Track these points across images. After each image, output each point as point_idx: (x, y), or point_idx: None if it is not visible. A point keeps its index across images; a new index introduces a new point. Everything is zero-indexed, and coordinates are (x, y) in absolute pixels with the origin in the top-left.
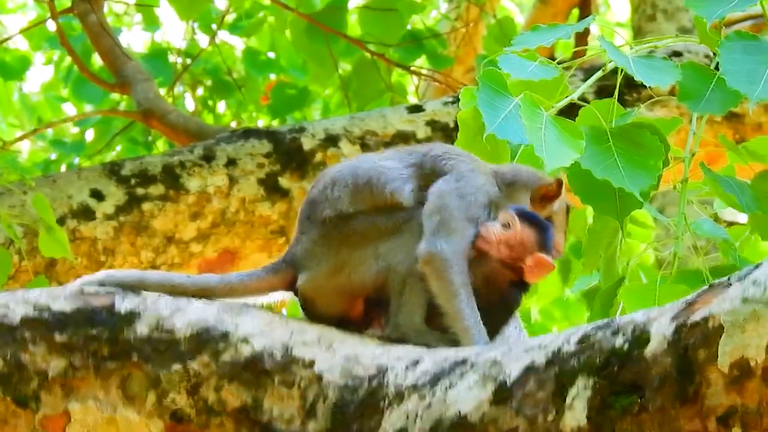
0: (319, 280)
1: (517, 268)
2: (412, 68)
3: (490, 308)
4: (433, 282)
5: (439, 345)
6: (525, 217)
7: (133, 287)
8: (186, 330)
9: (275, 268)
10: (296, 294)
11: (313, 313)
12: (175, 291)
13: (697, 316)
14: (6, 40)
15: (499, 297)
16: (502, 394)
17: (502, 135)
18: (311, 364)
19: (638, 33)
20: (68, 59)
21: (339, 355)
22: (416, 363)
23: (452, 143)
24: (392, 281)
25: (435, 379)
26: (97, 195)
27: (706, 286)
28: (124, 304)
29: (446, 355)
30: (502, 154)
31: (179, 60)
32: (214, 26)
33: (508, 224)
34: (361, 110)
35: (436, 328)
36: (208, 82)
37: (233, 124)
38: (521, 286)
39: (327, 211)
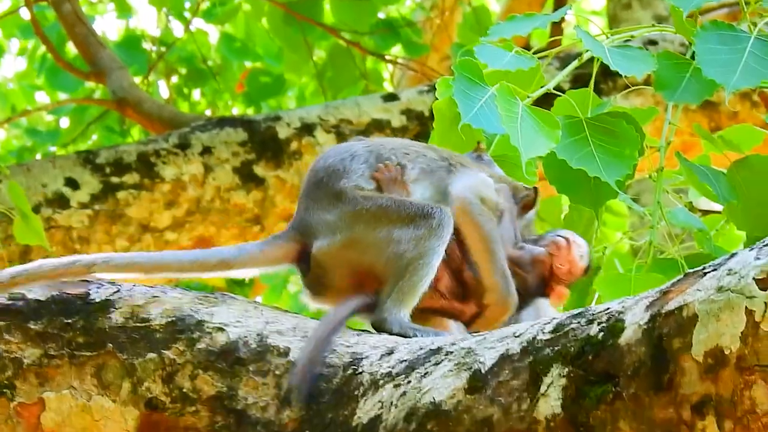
0: (333, 250)
1: (549, 284)
2: (386, 56)
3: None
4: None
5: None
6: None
7: (147, 271)
8: (161, 319)
9: (286, 237)
10: (305, 263)
11: (322, 283)
12: (192, 270)
13: (671, 305)
14: None
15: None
16: (477, 383)
17: (477, 124)
18: (286, 352)
19: (613, 21)
20: (42, 48)
21: None
22: (391, 352)
23: (428, 132)
24: (394, 265)
25: (410, 368)
26: (72, 183)
27: (681, 275)
28: (99, 292)
29: (421, 344)
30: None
31: (154, 48)
32: (187, 14)
33: (582, 256)
34: (335, 98)
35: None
36: (183, 70)
37: (208, 112)
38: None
39: (344, 181)
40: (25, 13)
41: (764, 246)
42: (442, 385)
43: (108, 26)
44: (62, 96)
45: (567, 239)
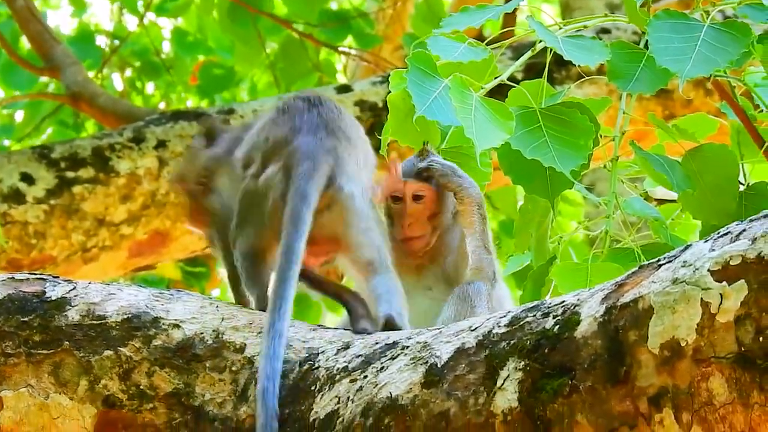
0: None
1: None
2: (339, 48)
3: None
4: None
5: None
6: None
7: None
8: (117, 316)
9: None
10: None
11: None
12: None
13: (627, 298)
14: None
15: None
16: (433, 377)
17: (432, 116)
18: (242, 348)
19: (566, 9)
20: None
21: None
22: (347, 346)
23: (382, 123)
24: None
25: (366, 363)
26: (28, 178)
27: (636, 267)
28: (56, 290)
29: (377, 338)
30: (433, 136)
31: (107, 42)
32: (141, 7)
33: None
34: (289, 90)
35: None
36: (137, 64)
37: (162, 106)
38: None
39: None
40: None
41: (719, 237)
42: (398, 380)
43: (62, 20)
44: (17, 92)
45: None
